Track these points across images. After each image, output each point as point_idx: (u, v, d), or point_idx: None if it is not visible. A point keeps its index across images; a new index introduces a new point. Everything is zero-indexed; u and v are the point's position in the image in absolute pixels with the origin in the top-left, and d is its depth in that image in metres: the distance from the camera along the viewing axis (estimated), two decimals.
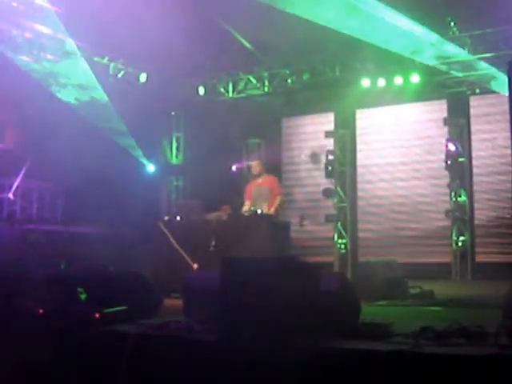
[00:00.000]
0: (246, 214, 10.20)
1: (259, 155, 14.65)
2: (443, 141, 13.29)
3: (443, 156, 13.25)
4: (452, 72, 12.54)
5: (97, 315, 5.92)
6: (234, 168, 14.45)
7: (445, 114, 13.38)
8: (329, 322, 5.71)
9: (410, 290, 9.32)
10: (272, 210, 10.24)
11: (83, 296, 6.18)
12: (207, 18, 12.16)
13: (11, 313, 5.90)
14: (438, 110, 13.53)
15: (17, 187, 11.97)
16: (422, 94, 13.20)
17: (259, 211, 10.03)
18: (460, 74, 12.56)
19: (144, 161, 14.65)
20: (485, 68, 12.17)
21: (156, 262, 10.04)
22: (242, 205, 10.76)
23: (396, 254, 12.31)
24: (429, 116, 13.67)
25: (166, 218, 10.69)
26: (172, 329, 5.84)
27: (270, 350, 5.23)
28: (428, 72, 12.71)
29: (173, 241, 9.87)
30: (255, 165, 10.94)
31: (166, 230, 10.05)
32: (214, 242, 9.70)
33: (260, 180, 10.71)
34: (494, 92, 12.54)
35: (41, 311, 5.95)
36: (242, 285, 5.82)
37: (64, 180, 11.74)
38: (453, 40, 12.11)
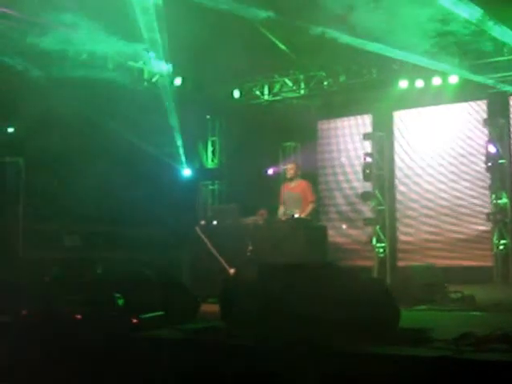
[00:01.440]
0: (283, 218, 10.14)
1: (295, 158, 14.57)
2: (483, 142, 13.10)
3: (483, 158, 13.06)
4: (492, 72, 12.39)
5: (134, 320, 5.92)
6: (269, 172, 14.41)
7: (485, 115, 13.18)
8: (368, 327, 5.65)
9: (450, 294, 9.20)
10: (303, 216, 10.15)
11: (120, 301, 6.17)
12: (243, 21, 12.12)
13: (49, 318, 5.91)
14: (477, 110, 13.32)
15: None
16: (461, 95, 13.01)
17: (296, 215, 9.96)
18: (500, 74, 12.40)
19: (180, 165, 14.67)
20: None
21: (193, 267, 10.04)
22: (277, 209, 10.70)
23: (436, 258, 12.19)
24: (468, 117, 13.47)
25: (203, 222, 10.68)
26: (210, 334, 5.81)
27: (309, 356, 5.19)
28: (467, 72, 12.54)
29: (209, 245, 9.87)
30: (289, 168, 10.88)
31: (202, 235, 10.05)
32: (250, 247, 9.67)
33: (292, 184, 10.63)
34: None
35: (78, 317, 5.96)
36: (281, 290, 5.80)
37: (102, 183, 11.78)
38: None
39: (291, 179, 10.66)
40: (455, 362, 4.88)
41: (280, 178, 14.36)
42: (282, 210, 10.55)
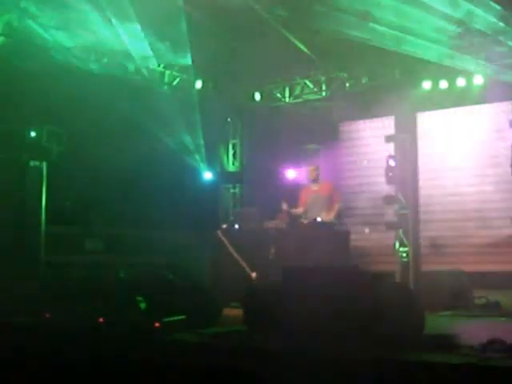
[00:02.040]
0: (305, 221, 10.09)
1: (317, 161, 14.50)
2: (509, 144, 12.93)
3: (509, 160, 12.90)
4: None
5: (156, 324, 5.91)
6: (291, 174, 14.37)
7: (511, 116, 13.01)
8: (393, 333, 5.61)
9: (475, 300, 9.12)
10: (331, 218, 10.10)
11: (143, 305, 6.16)
12: (263, 22, 12.09)
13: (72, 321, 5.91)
14: (503, 111, 13.13)
15: None
16: (486, 96, 12.82)
17: (319, 219, 9.92)
18: None
19: (202, 168, 14.66)
20: None
21: (215, 271, 10.02)
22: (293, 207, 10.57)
23: (461, 263, 12.04)
24: (493, 118, 13.29)
25: (225, 226, 10.68)
26: (232, 338, 5.79)
27: (333, 360, 5.15)
28: (492, 73, 12.41)
29: (231, 249, 9.85)
30: (311, 170, 10.84)
31: (224, 239, 10.04)
32: (273, 251, 9.65)
33: (316, 187, 10.58)
34: None
35: (100, 320, 5.95)
36: (304, 295, 5.76)
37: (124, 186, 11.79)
38: None
39: (314, 181, 10.62)
40: (481, 369, 4.84)
41: (301, 181, 14.37)
42: (300, 211, 10.47)
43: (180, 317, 6.18)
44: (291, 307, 5.75)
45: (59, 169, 10.87)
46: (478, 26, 11.26)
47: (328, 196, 10.35)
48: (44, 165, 10.55)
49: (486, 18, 11.01)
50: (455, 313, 8.55)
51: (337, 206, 10.31)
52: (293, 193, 12.98)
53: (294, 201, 11.21)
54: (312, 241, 9.48)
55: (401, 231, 14.08)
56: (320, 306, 5.68)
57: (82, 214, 11.71)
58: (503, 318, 8.10)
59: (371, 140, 14.62)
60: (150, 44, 12.18)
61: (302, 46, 13.09)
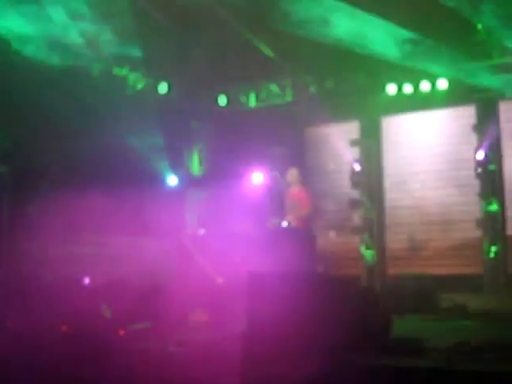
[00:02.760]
0: (271, 226, 10.08)
1: (282, 165, 14.49)
2: (473, 148, 13.05)
3: (473, 164, 13.01)
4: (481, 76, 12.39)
5: (121, 332, 5.84)
6: (257, 179, 14.33)
7: (474, 120, 13.13)
8: (360, 337, 5.60)
9: (441, 303, 9.16)
10: (300, 223, 10.09)
11: (107, 313, 6.09)
12: (228, 27, 12.07)
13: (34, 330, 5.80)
14: (466, 115, 13.24)
15: None
16: (451, 100, 12.94)
17: (284, 224, 9.92)
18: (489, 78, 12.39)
19: (166, 173, 14.56)
20: None
21: (180, 276, 9.93)
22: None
23: (426, 266, 12.13)
24: (457, 122, 13.38)
25: (190, 230, 10.63)
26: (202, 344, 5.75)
27: (301, 366, 5.12)
28: (456, 77, 12.52)
29: (197, 254, 9.80)
30: (289, 174, 10.83)
31: (190, 244, 9.98)
32: (239, 255, 9.61)
33: (293, 190, 10.60)
34: None
35: (64, 328, 5.86)
36: (268, 300, 5.73)
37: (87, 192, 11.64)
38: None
39: (292, 185, 10.61)
40: (449, 373, 4.84)
41: (267, 185, 14.34)
42: (280, 216, 10.48)
43: (145, 324, 6.12)
44: (256, 312, 5.71)
45: (19, 176, 10.72)
46: (442, 31, 11.40)
47: (299, 201, 10.35)
48: (4, 169, 10.39)
49: (449, 23, 11.14)
50: (422, 316, 8.58)
51: (306, 211, 10.30)
52: (258, 197, 13.01)
53: (261, 207, 11.21)
54: (278, 245, 9.47)
55: (366, 235, 14.13)
56: (285, 311, 5.65)
57: (44, 221, 11.54)
58: (470, 321, 8.14)
59: (337, 144, 14.63)
60: (112, 46, 12.09)
61: (266, 50, 13.09)
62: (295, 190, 10.56)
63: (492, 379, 4.62)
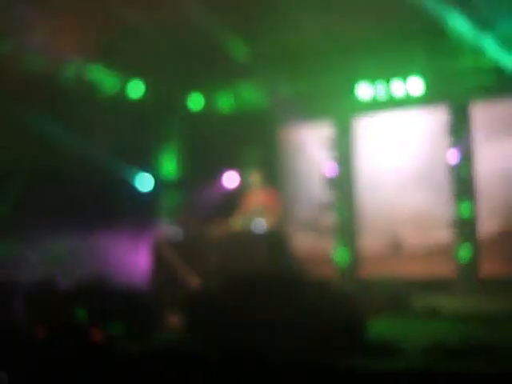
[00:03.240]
0: (246, 229, 10.07)
1: (256, 167, 14.51)
2: (445, 149, 13.15)
3: (446, 165, 13.11)
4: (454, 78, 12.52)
5: (95, 333, 5.80)
6: (230, 181, 14.33)
7: (447, 122, 13.22)
8: (335, 339, 5.62)
9: (415, 305, 9.22)
10: (271, 226, 10.09)
11: (82, 313, 6.06)
12: (202, 29, 12.05)
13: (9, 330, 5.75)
14: (439, 117, 13.35)
15: None
16: (423, 101, 13.04)
17: (258, 227, 9.92)
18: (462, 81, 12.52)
19: (140, 175, 14.50)
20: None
21: (155, 279, 9.90)
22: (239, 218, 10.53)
23: (399, 268, 12.19)
24: (430, 123, 13.48)
25: (165, 233, 10.60)
26: (176, 346, 5.74)
27: (275, 369, 5.12)
28: (430, 77, 12.63)
29: (171, 257, 9.77)
30: (253, 176, 10.82)
31: (164, 246, 9.95)
32: (215, 258, 9.61)
33: (257, 194, 10.58)
34: (498, 98, 12.45)
35: (38, 328, 5.82)
36: (244, 303, 5.75)
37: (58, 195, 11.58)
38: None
39: (256, 187, 10.60)
40: (425, 374, 4.87)
41: (241, 188, 14.35)
42: (244, 219, 10.46)
43: (119, 325, 6.09)
44: (233, 316, 5.73)
45: None
46: (416, 33, 11.49)
47: (267, 204, 10.34)
48: None
49: (425, 25, 11.22)
50: (395, 319, 8.62)
51: (276, 214, 10.30)
52: (232, 200, 13.00)
53: (235, 209, 11.18)
54: (253, 248, 9.47)
55: (339, 237, 14.18)
56: (261, 314, 5.67)
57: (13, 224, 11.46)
58: (444, 323, 8.20)
59: (309, 145, 14.66)
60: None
61: (240, 52, 13.09)
62: (260, 192, 10.55)
63: (468, 380, 4.66)
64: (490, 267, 12.64)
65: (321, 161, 14.22)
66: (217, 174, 14.29)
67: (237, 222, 10.45)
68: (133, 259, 11.40)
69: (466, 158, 13.06)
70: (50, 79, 12.24)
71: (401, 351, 5.56)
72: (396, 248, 13.53)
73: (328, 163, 14.11)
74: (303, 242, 14.12)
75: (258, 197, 10.48)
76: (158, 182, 15.10)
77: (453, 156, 13.04)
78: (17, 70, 11.45)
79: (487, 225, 12.84)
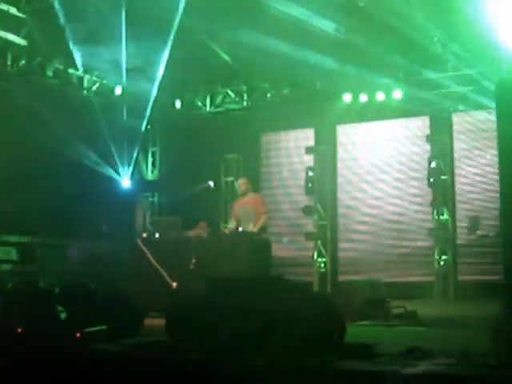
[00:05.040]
0: (227, 231, 10.09)
1: (237, 171, 14.55)
2: (426, 158, 13.26)
3: (426, 173, 13.22)
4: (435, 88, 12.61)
5: (77, 334, 5.78)
6: (210, 184, 14.32)
7: (427, 131, 13.35)
8: (314, 342, 5.64)
9: (392, 310, 9.25)
10: (256, 229, 10.10)
11: (63, 315, 6.03)
12: (185, 31, 12.06)
13: None
14: (420, 126, 13.49)
15: None
16: (405, 111, 13.15)
17: (240, 229, 9.94)
18: (443, 90, 12.62)
19: (119, 176, 14.44)
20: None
21: (134, 280, 9.86)
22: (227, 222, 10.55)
23: (378, 273, 12.26)
24: (411, 133, 13.62)
25: (145, 235, 10.57)
26: (157, 349, 5.71)
27: (256, 371, 5.15)
28: (410, 88, 12.71)
29: (151, 258, 9.74)
30: (240, 183, 10.83)
31: (144, 248, 9.91)
32: (194, 260, 9.58)
33: (246, 199, 10.56)
34: (477, 108, 12.58)
35: (19, 330, 5.78)
36: (227, 305, 5.76)
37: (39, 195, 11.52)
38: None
39: (244, 194, 10.60)
40: (402, 377, 4.89)
41: (221, 191, 14.38)
42: (231, 224, 10.51)
43: (101, 327, 6.07)
44: (213, 317, 5.73)
45: None
46: (398, 43, 11.57)
47: (253, 208, 10.33)
48: None
49: (406, 36, 11.30)
50: (373, 322, 8.65)
51: (263, 218, 10.31)
52: (212, 202, 13.02)
53: (214, 212, 11.21)
54: (233, 251, 9.47)
55: (319, 242, 14.24)
56: (242, 316, 5.68)
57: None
58: (421, 327, 8.24)
59: (292, 151, 14.73)
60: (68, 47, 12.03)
61: (224, 56, 13.11)
62: (247, 198, 10.56)
63: (444, 382, 4.70)
64: (467, 272, 12.82)
65: (303, 166, 14.30)
66: (197, 176, 14.29)
67: (225, 225, 10.48)
68: (113, 260, 11.37)
69: (446, 167, 13.20)
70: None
71: (378, 354, 5.58)
72: (375, 252, 13.62)
73: (310, 169, 14.17)
74: (286, 246, 14.18)
75: (245, 202, 10.47)
76: (139, 182, 15.07)
77: (433, 164, 13.15)
78: None
79: (465, 231, 13.01)
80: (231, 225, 10.49)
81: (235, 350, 5.31)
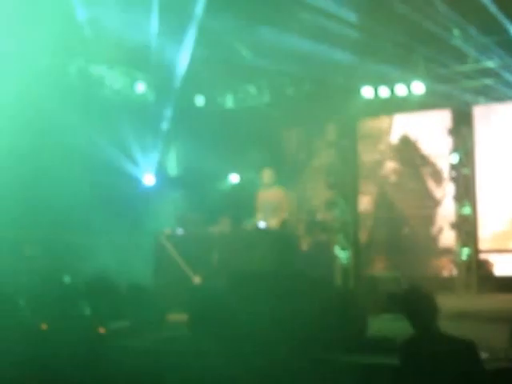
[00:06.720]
0: (249, 227, 10.07)
1: (260, 167, 14.53)
2: (447, 151, 13.21)
3: (447, 167, 13.18)
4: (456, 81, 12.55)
5: (101, 330, 5.84)
6: (232, 179, 14.37)
7: (449, 124, 13.28)
8: (337, 335, 5.67)
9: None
10: (279, 224, 10.06)
11: (87, 310, 6.09)
12: (207, 28, 12.11)
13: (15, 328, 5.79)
14: (442, 119, 13.42)
15: None
16: (426, 104, 13.07)
17: (262, 225, 9.91)
18: (464, 83, 12.56)
19: (142, 173, 14.53)
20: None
21: (157, 276, 9.94)
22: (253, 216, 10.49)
23: (400, 267, 12.24)
24: (433, 126, 13.56)
25: (168, 230, 10.62)
26: (179, 344, 5.76)
27: (279, 365, 5.18)
28: (432, 80, 12.66)
29: (174, 254, 9.80)
30: (264, 174, 10.63)
31: (167, 244, 9.98)
32: (216, 256, 9.63)
33: (268, 192, 10.40)
34: (499, 101, 12.51)
35: (44, 326, 5.85)
36: (250, 300, 5.80)
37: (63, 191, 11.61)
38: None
39: (268, 186, 10.42)
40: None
41: (243, 186, 14.40)
42: (258, 217, 10.36)
43: (124, 322, 6.12)
44: (237, 313, 5.76)
45: None
46: (418, 37, 11.54)
47: (277, 203, 10.24)
48: None
49: (426, 29, 11.26)
50: (396, 316, 8.65)
51: (286, 213, 10.22)
52: (234, 198, 13.05)
53: (237, 207, 11.22)
54: (255, 246, 9.49)
55: (341, 236, 14.22)
56: (265, 310, 5.72)
57: (20, 218, 11.49)
58: (444, 321, 8.22)
59: (314, 145, 14.73)
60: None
61: (245, 52, 13.14)
62: (271, 191, 10.45)
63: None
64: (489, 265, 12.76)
65: (325, 161, 14.29)
66: (219, 172, 14.35)
67: (249, 220, 10.40)
68: (136, 256, 11.45)
69: (467, 160, 13.13)
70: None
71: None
72: (397, 246, 13.59)
73: (332, 163, 14.16)
74: (307, 240, 14.18)
75: (268, 195, 10.35)
76: (163, 178, 15.14)
77: (454, 157, 13.10)
78: None
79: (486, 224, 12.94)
80: (256, 218, 10.28)
81: (257, 344, 5.34)
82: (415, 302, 4.79)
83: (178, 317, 7.35)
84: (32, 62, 11.91)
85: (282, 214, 10.12)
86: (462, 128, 13.18)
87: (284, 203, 10.26)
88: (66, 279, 8.70)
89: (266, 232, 9.87)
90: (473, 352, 4.46)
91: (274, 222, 9.95)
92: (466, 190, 13.09)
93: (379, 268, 13.33)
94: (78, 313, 6.04)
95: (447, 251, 13.17)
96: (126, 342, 5.87)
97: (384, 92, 13.21)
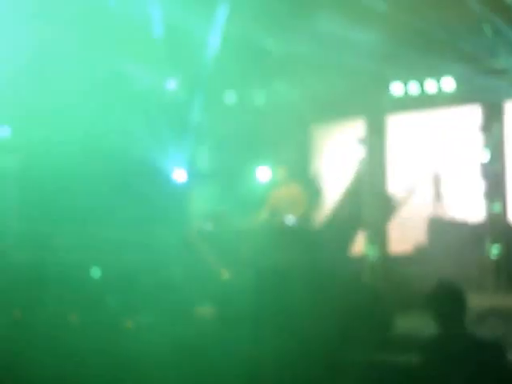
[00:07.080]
0: (279, 223, 10.10)
1: (286, 162, 14.54)
2: (478, 148, 13.10)
3: (478, 164, 13.07)
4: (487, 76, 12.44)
5: (128, 323, 5.90)
6: (259, 175, 14.38)
7: (480, 121, 13.15)
8: (361, 333, 5.68)
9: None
10: (299, 220, 10.11)
11: (114, 303, 6.15)
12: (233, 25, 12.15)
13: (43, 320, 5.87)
14: (472, 116, 13.30)
15: None
16: (457, 100, 12.98)
17: (289, 220, 9.96)
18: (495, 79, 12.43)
19: (173, 169, 14.59)
20: None
21: (186, 271, 10.00)
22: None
23: (429, 265, 12.16)
24: (463, 122, 13.45)
25: (196, 226, 10.69)
26: (207, 338, 5.79)
27: (307, 363, 5.20)
28: (463, 76, 12.57)
29: (203, 249, 9.86)
30: (280, 172, 10.82)
31: (196, 239, 10.05)
32: (246, 251, 9.67)
33: (285, 189, 10.55)
34: None
35: (73, 317, 5.92)
36: (276, 295, 5.83)
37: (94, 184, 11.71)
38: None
39: (283, 183, 10.59)
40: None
41: (271, 182, 14.42)
42: (266, 213, 10.49)
43: (151, 316, 6.18)
44: (263, 307, 5.80)
45: (29, 166, 10.80)
46: (447, 31, 11.45)
47: (295, 198, 10.32)
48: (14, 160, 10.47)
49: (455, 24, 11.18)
50: (423, 313, 8.61)
51: (304, 209, 10.29)
52: (262, 194, 13.07)
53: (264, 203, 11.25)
54: (284, 242, 9.50)
55: (370, 232, 14.16)
56: (291, 307, 5.73)
57: (51, 211, 11.61)
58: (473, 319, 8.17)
59: (342, 142, 14.70)
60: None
61: (272, 48, 13.15)
62: (287, 189, 10.54)
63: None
64: None
65: (355, 158, 14.25)
66: (248, 168, 14.36)
67: (264, 216, 10.47)
68: (165, 251, 11.50)
69: (498, 157, 13.00)
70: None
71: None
72: (427, 244, 13.51)
73: (362, 160, 14.11)
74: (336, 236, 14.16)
75: (285, 192, 10.46)
76: (194, 174, 15.20)
77: (485, 155, 12.97)
78: None
79: None
80: (265, 214, 10.39)
81: (283, 340, 5.36)
82: (444, 300, 4.77)
83: (206, 311, 7.40)
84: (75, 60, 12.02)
85: (299, 210, 10.19)
86: (492, 124, 13.05)
87: (301, 200, 10.33)
88: (95, 273, 8.76)
89: (292, 228, 9.89)
90: (500, 352, 4.44)
91: (294, 218, 10.02)
92: (496, 187, 12.97)
93: (407, 264, 13.24)
94: (105, 306, 6.10)
95: (477, 249, 13.05)
96: (153, 336, 5.92)
97: (414, 88, 13.12)
